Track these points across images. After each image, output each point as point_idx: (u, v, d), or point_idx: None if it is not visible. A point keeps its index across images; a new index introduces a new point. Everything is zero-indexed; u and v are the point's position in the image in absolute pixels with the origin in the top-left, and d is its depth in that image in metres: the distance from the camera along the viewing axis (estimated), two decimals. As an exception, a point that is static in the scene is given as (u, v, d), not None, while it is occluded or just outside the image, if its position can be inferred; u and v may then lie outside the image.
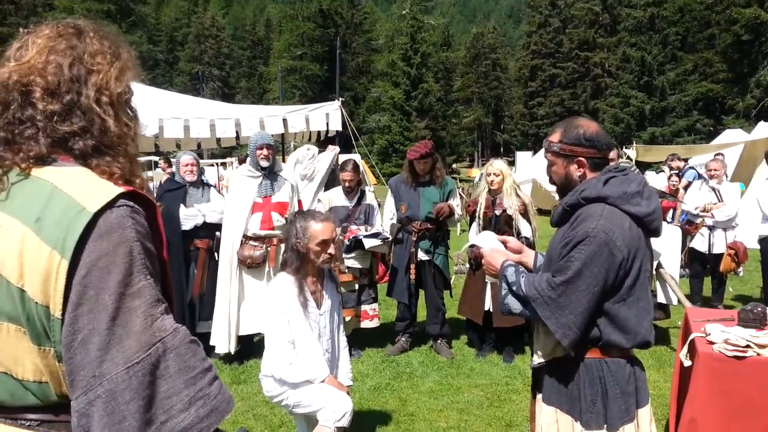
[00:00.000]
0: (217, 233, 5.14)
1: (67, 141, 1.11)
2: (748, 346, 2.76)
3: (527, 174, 17.27)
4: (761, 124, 16.07)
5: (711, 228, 6.56)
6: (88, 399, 0.96)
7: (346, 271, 5.06)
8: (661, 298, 5.44)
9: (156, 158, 9.94)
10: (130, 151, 1.18)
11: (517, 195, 5.10)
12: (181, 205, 5.07)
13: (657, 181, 10.96)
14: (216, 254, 5.16)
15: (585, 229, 1.92)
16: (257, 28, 71.60)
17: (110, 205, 1.03)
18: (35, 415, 1.11)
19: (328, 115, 8.08)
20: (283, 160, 8.20)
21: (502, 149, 55.60)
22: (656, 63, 39.48)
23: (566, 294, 1.90)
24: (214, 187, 5.71)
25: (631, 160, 14.22)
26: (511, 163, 24.12)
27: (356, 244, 5.00)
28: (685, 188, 7.74)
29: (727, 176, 10.33)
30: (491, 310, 5.06)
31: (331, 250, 2.99)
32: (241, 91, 62.80)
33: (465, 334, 5.72)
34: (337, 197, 5.32)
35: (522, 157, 27.19)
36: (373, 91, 47.60)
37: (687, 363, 3.01)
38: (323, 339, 3.06)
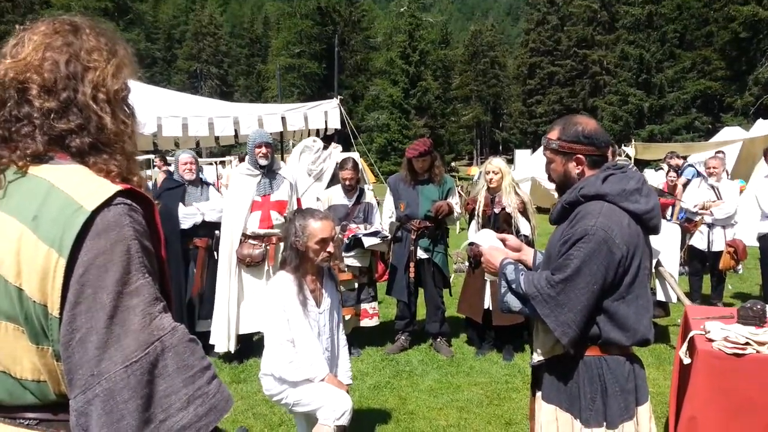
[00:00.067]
0: (217, 232, 5.13)
1: (64, 138, 1.10)
2: (747, 344, 2.76)
3: (526, 172, 17.25)
4: (760, 121, 16.10)
5: (710, 226, 6.57)
6: (86, 398, 0.96)
7: (346, 269, 5.05)
8: (660, 296, 5.44)
9: (152, 156, 9.91)
10: (128, 148, 1.17)
11: (516, 193, 5.10)
12: (180, 204, 5.05)
13: (656, 178, 10.98)
14: (215, 253, 5.15)
15: (584, 227, 1.92)
16: (255, 25, 71.51)
17: (108, 203, 1.02)
18: (34, 414, 1.10)
19: (327, 113, 8.07)
20: (282, 159, 8.21)
21: (500, 147, 55.57)
22: (654, 60, 39.46)
23: (565, 292, 1.90)
24: (213, 185, 5.69)
25: (630, 158, 14.23)
26: (510, 161, 24.09)
27: (355, 243, 4.99)
28: (684, 186, 7.74)
29: (728, 173, 10.37)
30: (491, 308, 5.06)
31: (331, 248, 2.99)
32: (239, 89, 62.75)
33: (464, 332, 5.71)
34: (336, 195, 5.32)
35: (521, 155, 27.18)
36: (371, 89, 47.59)
37: (686, 360, 3.01)
38: (323, 337, 3.06)
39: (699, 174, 8.01)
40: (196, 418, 1.01)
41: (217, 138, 8.24)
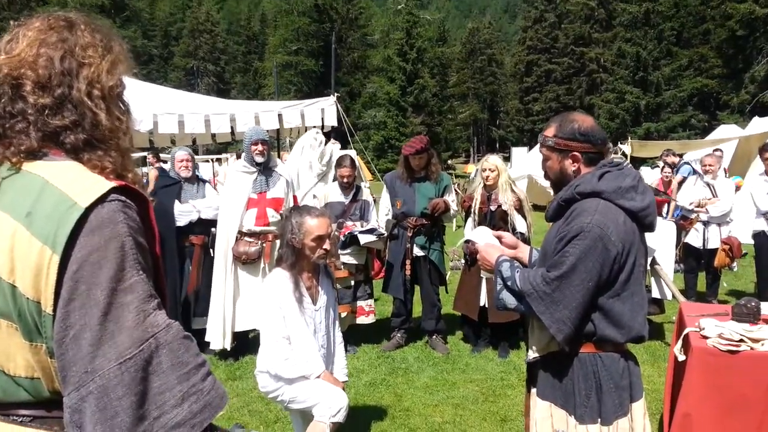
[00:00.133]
0: (213, 229, 5.12)
1: (58, 135, 1.10)
2: (741, 341, 2.77)
3: (523, 170, 17.27)
4: (755, 119, 16.13)
5: (705, 223, 6.59)
6: (80, 395, 0.96)
7: (342, 267, 5.05)
8: (655, 293, 5.46)
9: (145, 153, 9.85)
10: (122, 145, 1.17)
11: (513, 190, 5.10)
12: (176, 201, 5.04)
13: (651, 176, 11.00)
14: (211, 250, 5.15)
15: (579, 224, 1.92)
16: (252, 23, 71.28)
17: (102, 199, 1.02)
18: (27, 411, 1.10)
19: (324, 110, 8.08)
20: (279, 156, 8.19)
21: (497, 145, 55.54)
22: (651, 58, 39.51)
23: (560, 289, 1.90)
24: (209, 182, 5.68)
25: (626, 156, 14.25)
26: (507, 159, 24.11)
27: (351, 240, 4.99)
28: (680, 184, 7.76)
29: (726, 172, 10.39)
30: (486, 305, 5.07)
31: (327, 245, 2.99)
32: (236, 86, 62.58)
33: (460, 329, 5.72)
34: (332, 193, 5.31)
35: (517, 152, 27.19)
36: (368, 86, 47.51)
37: (681, 357, 3.02)
38: (319, 335, 3.06)
39: (695, 171, 8.03)
40: (190, 414, 1.01)
41: (213, 135, 8.25)
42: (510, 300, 2.05)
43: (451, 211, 5.33)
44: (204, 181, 5.51)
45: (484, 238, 2.40)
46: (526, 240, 4.85)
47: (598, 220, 1.91)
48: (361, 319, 5.28)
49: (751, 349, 2.75)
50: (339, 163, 5.34)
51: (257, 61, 63.14)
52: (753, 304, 3.03)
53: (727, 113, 36.45)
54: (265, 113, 7.81)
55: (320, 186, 6.71)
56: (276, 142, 9.72)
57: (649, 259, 5.11)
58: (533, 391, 2.17)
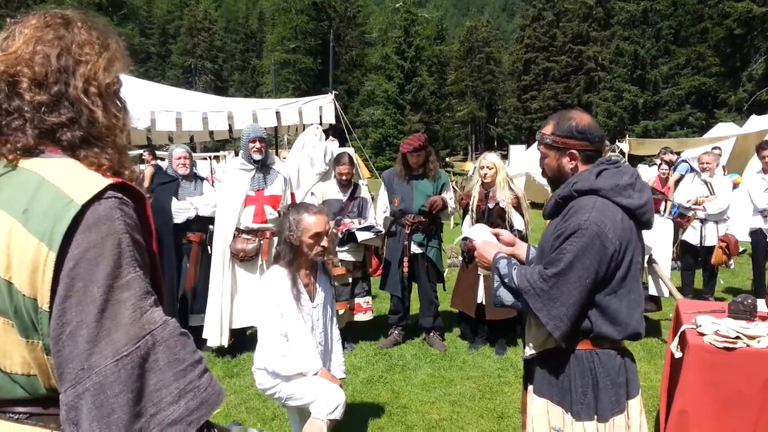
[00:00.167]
0: (210, 227, 5.12)
1: (54, 132, 1.10)
2: (738, 338, 2.78)
3: (520, 167, 17.29)
4: (753, 117, 16.15)
5: (703, 221, 6.60)
6: (76, 392, 0.96)
7: (339, 264, 5.05)
8: (652, 290, 5.48)
9: (141, 151, 9.80)
10: (119, 142, 1.17)
11: (510, 188, 5.11)
12: (173, 198, 5.04)
13: (649, 173, 11.01)
14: (209, 248, 5.14)
15: (577, 222, 1.93)
16: (250, 21, 71.20)
17: (98, 196, 1.02)
18: (24, 408, 1.10)
19: (322, 108, 8.07)
20: (276, 154, 8.19)
21: (495, 143, 55.54)
22: (649, 57, 39.53)
23: (558, 286, 1.91)
24: (207, 180, 5.68)
25: (624, 154, 14.27)
26: (505, 157, 24.11)
27: (349, 237, 4.99)
28: (677, 182, 7.77)
29: (725, 170, 10.41)
30: (484, 302, 5.08)
31: (324, 242, 2.99)
32: (234, 84, 62.48)
33: (458, 326, 5.73)
34: (330, 190, 5.31)
35: (515, 150, 27.20)
36: (366, 84, 47.46)
37: (678, 354, 3.03)
38: (316, 332, 3.06)
39: (692, 169, 8.04)
40: (187, 411, 1.01)
41: (211, 133, 8.24)
42: (507, 297, 2.05)
43: (449, 209, 5.34)
44: (202, 179, 5.51)
45: (481, 235, 2.40)
46: (523, 237, 4.85)
47: (596, 218, 1.91)
48: (359, 316, 5.28)
49: (748, 346, 2.76)
50: (337, 160, 5.34)
51: (255, 59, 63.03)
52: (749, 301, 3.04)
53: (725, 111, 36.47)
54: (263, 111, 7.80)
55: (318, 183, 6.71)
56: (274, 140, 9.71)
57: (647, 257, 5.12)
58: (530, 388, 2.18)
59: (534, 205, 6.26)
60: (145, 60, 57.95)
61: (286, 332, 2.92)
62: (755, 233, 6.46)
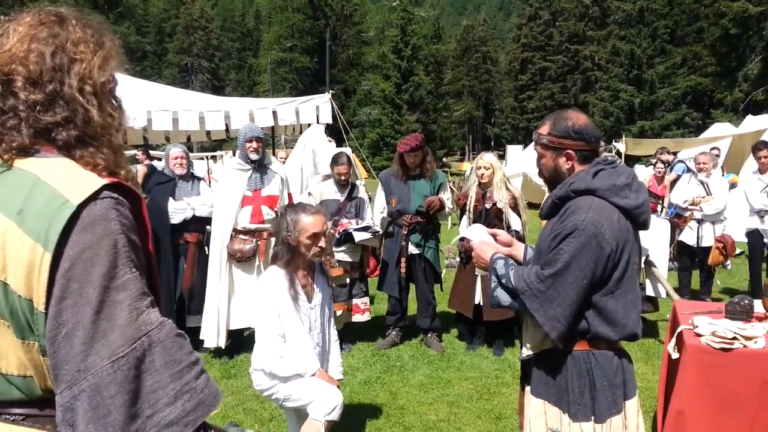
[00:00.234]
0: (208, 227, 5.11)
1: (50, 131, 1.09)
2: (734, 338, 2.78)
3: (518, 167, 17.31)
4: (749, 117, 16.20)
5: (699, 221, 6.61)
6: (72, 393, 0.95)
7: (336, 265, 5.04)
8: (649, 291, 5.48)
9: (134, 151, 9.74)
10: (115, 141, 1.16)
11: (507, 188, 5.11)
12: (170, 199, 5.02)
13: (646, 173, 11.02)
14: (206, 248, 5.13)
15: (574, 222, 1.92)
16: (246, 19, 71.11)
17: (94, 197, 1.01)
18: (20, 409, 1.10)
19: (319, 107, 8.06)
20: (273, 153, 8.18)
21: (492, 143, 55.59)
22: (645, 56, 39.60)
23: (555, 286, 1.90)
24: (204, 180, 5.66)
25: (620, 154, 14.29)
26: (502, 157, 24.15)
27: (346, 237, 4.98)
28: (674, 182, 7.78)
29: (724, 170, 10.43)
30: (481, 303, 5.08)
31: (322, 243, 2.98)
32: (230, 83, 62.42)
33: (455, 327, 5.73)
34: (328, 190, 5.30)
35: (512, 150, 27.21)
36: (363, 83, 47.43)
37: (675, 355, 3.03)
38: (314, 333, 3.05)
39: (689, 170, 8.05)
40: (183, 413, 1.00)
41: (208, 132, 8.22)
42: (504, 297, 2.05)
43: (446, 209, 5.33)
44: (199, 179, 5.49)
45: (479, 235, 2.40)
46: (520, 238, 4.86)
47: (593, 218, 1.91)
48: (357, 317, 5.28)
49: (744, 346, 2.77)
50: (336, 160, 5.32)
51: (252, 57, 62.97)
52: (746, 302, 3.05)
53: (721, 111, 36.56)
54: (260, 110, 7.79)
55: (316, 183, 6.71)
56: (271, 140, 9.69)
57: (644, 258, 5.13)
58: (527, 389, 2.18)
59: (531, 206, 6.27)
60: (142, 59, 57.86)
61: (283, 333, 2.91)
62: (752, 234, 6.47)
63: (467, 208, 5.14)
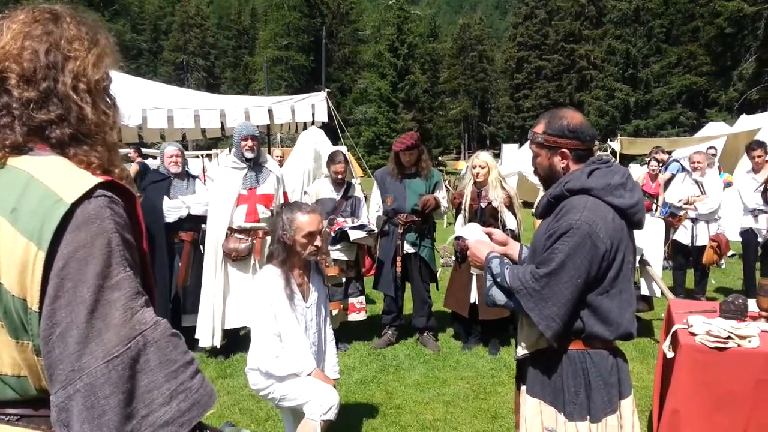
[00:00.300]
0: (203, 225, 5.09)
1: (43, 129, 1.08)
2: (729, 338, 2.79)
3: (513, 166, 17.33)
4: (743, 117, 16.24)
5: (694, 220, 6.63)
6: (67, 393, 0.95)
7: (332, 264, 5.04)
8: (644, 290, 5.50)
9: (126, 150, 9.67)
10: (109, 140, 1.15)
11: (503, 187, 5.11)
12: (165, 197, 5.00)
13: (640, 172, 11.05)
14: (201, 247, 5.11)
15: (569, 221, 1.92)
16: (242, 17, 70.96)
17: (88, 195, 1.01)
18: (14, 409, 1.09)
19: (314, 106, 8.04)
20: (269, 152, 8.16)
21: (488, 141, 55.71)
22: (641, 55, 39.75)
23: (549, 286, 1.90)
24: (199, 178, 5.65)
25: (615, 153, 14.33)
26: (497, 156, 24.21)
27: (342, 236, 4.98)
28: (668, 181, 7.80)
29: (721, 169, 10.46)
30: (477, 302, 5.08)
31: (318, 242, 2.97)
32: (226, 81, 62.28)
33: (451, 326, 5.73)
34: (324, 189, 5.29)
35: (508, 149, 27.29)
36: (359, 82, 47.45)
37: (670, 354, 3.04)
38: (310, 332, 3.05)
39: (684, 169, 8.07)
40: (178, 413, 1.00)
41: (203, 130, 8.18)
42: (499, 296, 2.05)
43: (442, 208, 5.33)
44: (194, 177, 5.47)
45: (474, 234, 2.40)
46: (516, 237, 4.86)
47: (587, 217, 1.91)
48: (353, 316, 5.27)
49: (739, 346, 2.77)
50: (333, 159, 5.29)
51: (247, 56, 62.84)
52: (740, 301, 3.06)
53: (716, 111, 36.72)
54: (256, 108, 7.75)
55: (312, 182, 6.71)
56: (266, 138, 9.67)
57: (638, 257, 5.14)
58: (523, 388, 2.18)
59: (526, 204, 6.28)
60: (137, 56, 57.70)
61: (279, 332, 2.91)
62: (745, 233, 6.50)
63: (462, 207, 5.14)
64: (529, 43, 52.57)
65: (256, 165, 4.96)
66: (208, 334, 4.89)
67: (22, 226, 0.98)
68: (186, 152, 5.78)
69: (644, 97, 39.77)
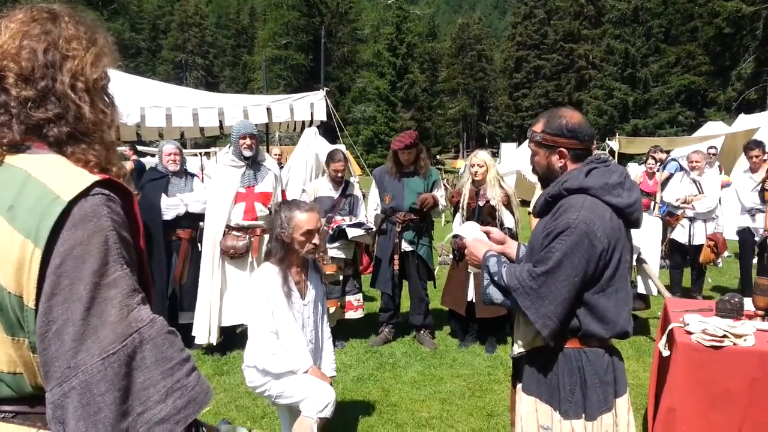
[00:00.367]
0: (201, 223, 5.09)
1: (41, 128, 1.09)
2: (725, 336, 2.80)
3: (511, 165, 17.34)
4: (741, 116, 16.26)
5: (691, 219, 6.64)
6: (62, 390, 0.95)
7: (330, 262, 5.04)
8: (641, 289, 5.51)
9: (122, 147, 9.63)
10: (107, 138, 1.16)
11: (501, 186, 5.12)
12: (163, 195, 5.01)
13: (639, 171, 11.06)
14: (199, 244, 5.12)
15: (566, 220, 1.93)
16: (241, 16, 70.83)
17: (85, 193, 1.01)
18: (10, 406, 1.09)
19: (313, 104, 8.02)
20: (267, 150, 8.17)
21: (486, 140, 55.71)
22: (640, 55, 39.77)
23: (546, 284, 1.91)
24: (197, 176, 5.64)
25: (614, 152, 14.33)
26: (496, 155, 24.20)
27: (339, 234, 4.98)
28: (666, 180, 7.81)
29: (722, 169, 10.47)
30: (474, 300, 5.09)
31: (316, 240, 2.98)
32: (225, 80, 62.20)
33: (448, 324, 5.74)
34: (322, 187, 5.30)
35: (506, 148, 27.28)
36: (358, 81, 47.40)
37: (666, 353, 3.05)
38: (307, 329, 3.05)
39: (682, 168, 8.09)
40: (174, 410, 1.00)
41: (201, 129, 8.16)
42: (497, 295, 2.06)
43: (440, 207, 5.34)
44: (192, 175, 5.47)
45: (472, 233, 2.40)
46: (513, 235, 4.87)
47: (585, 216, 1.92)
48: (350, 314, 5.28)
49: (734, 344, 2.78)
50: (332, 157, 5.29)
51: (246, 54, 62.69)
52: (736, 300, 3.07)
53: (714, 110, 36.76)
54: (254, 107, 7.74)
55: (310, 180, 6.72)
56: (265, 136, 9.66)
57: (635, 256, 5.15)
58: (519, 386, 2.18)
59: (524, 203, 6.29)
60: (135, 55, 57.59)
61: (276, 330, 2.91)
62: (743, 232, 6.51)
63: (460, 205, 5.15)
64: (528, 42, 52.58)
65: (254, 163, 4.97)
66: (204, 332, 4.90)
67: (19, 223, 0.99)
68: (184, 150, 5.78)
69: (643, 97, 39.79)
